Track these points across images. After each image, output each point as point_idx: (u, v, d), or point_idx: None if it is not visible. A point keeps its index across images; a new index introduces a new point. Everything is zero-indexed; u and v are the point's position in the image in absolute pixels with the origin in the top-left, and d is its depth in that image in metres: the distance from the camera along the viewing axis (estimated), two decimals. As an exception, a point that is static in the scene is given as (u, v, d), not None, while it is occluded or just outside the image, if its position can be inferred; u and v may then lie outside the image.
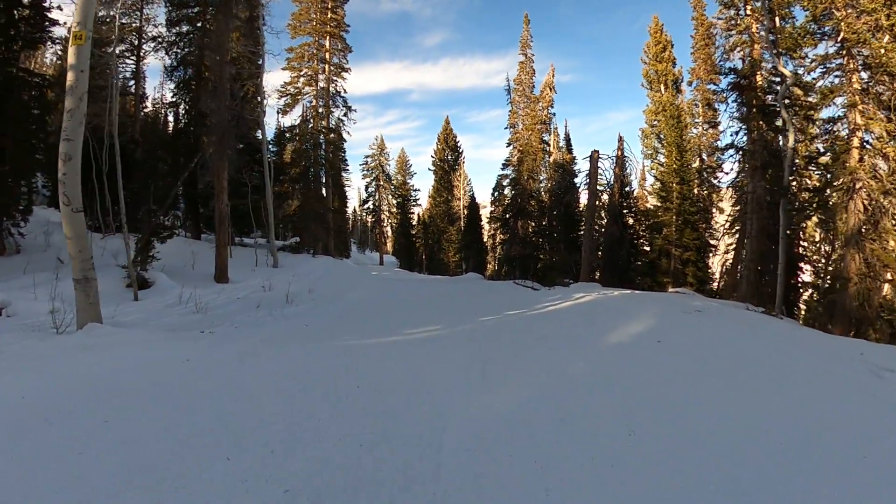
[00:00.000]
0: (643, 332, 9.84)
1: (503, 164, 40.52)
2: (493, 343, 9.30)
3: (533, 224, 38.15)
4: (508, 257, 36.90)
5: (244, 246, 31.08)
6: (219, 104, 19.98)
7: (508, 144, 40.69)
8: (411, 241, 64.88)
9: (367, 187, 68.76)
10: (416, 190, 68.24)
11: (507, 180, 39.69)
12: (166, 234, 22.12)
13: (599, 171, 28.26)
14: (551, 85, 40.63)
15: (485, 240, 50.84)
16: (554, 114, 40.67)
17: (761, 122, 20.69)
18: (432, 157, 62.39)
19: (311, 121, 33.98)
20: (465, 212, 54.45)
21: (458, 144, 62.70)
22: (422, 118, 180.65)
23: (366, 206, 69.61)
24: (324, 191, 36.63)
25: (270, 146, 30.67)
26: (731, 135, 27.94)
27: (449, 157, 61.65)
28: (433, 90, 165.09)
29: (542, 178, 38.46)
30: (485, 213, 52.38)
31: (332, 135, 34.26)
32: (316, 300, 17.07)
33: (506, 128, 41.07)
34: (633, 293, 18.35)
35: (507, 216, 37.96)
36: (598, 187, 29.50)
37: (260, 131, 26.06)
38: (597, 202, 27.93)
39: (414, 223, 67.73)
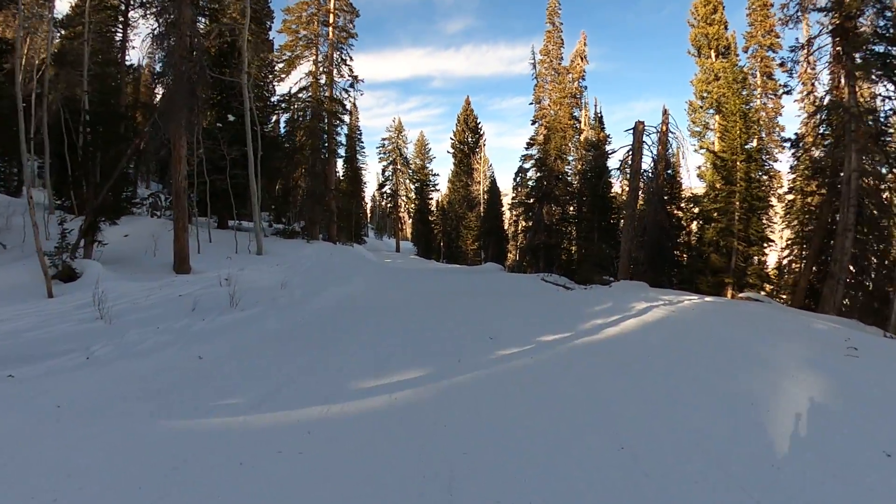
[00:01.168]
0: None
1: (527, 144, 35.53)
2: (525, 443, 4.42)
3: (560, 210, 33.12)
4: (532, 247, 31.96)
5: (241, 230, 26.76)
6: (172, 56, 15.40)
7: (533, 122, 35.71)
8: (429, 227, 60.25)
9: (383, 171, 64.03)
10: (434, 175, 63.55)
11: (532, 161, 34.67)
12: (118, 214, 17.76)
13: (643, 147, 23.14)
14: (583, 54, 35.42)
15: (505, 227, 45.90)
16: (585, 87, 35.60)
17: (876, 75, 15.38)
18: (451, 139, 57.46)
19: (310, 89, 29.23)
20: (486, 196, 49.51)
21: (479, 126, 57.63)
22: (444, 105, 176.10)
23: (382, 191, 64.88)
24: (328, 169, 31.90)
25: (260, 116, 26.02)
26: (801, 100, 22.60)
27: (469, 140, 56.61)
28: (455, 77, 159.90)
29: (571, 158, 33.33)
30: (505, 201, 47.46)
31: (333, 105, 29.42)
32: (277, 301, 12.45)
33: (530, 103, 36.12)
34: (714, 303, 13.42)
35: (531, 201, 32.95)
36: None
37: (245, 99, 21.38)
38: (640, 185, 22.85)
39: (432, 209, 62.96)
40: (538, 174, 33.21)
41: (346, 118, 36.79)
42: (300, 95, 29.16)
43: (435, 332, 8.98)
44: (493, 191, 45.53)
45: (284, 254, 21.95)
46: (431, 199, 63.81)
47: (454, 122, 58.45)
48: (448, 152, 57.70)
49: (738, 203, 21.23)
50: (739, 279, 20.82)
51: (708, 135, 28.85)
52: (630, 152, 23.10)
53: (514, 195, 48.18)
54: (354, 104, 62.76)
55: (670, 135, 25.23)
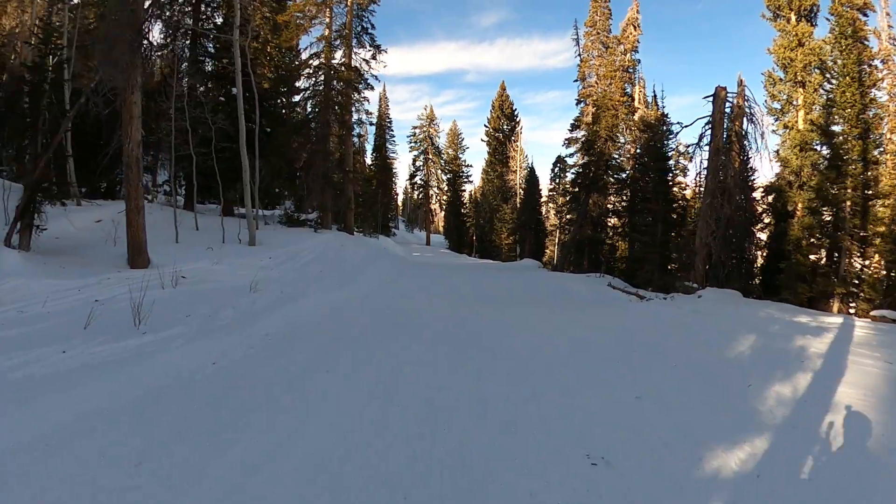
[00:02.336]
0: None
1: (571, 126, 30.86)
2: None
3: (610, 200, 28.31)
4: (576, 242, 27.24)
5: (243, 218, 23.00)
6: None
7: (578, 101, 30.96)
8: (461, 220, 55.88)
9: (414, 161, 59.87)
10: (468, 166, 59.06)
11: (577, 145, 29.89)
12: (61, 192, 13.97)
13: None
14: (635, 23, 30.42)
15: (544, 220, 41.19)
16: (638, 60, 30.59)
17: None
18: (485, 126, 52.82)
19: (322, 55, 24.98)
20: (523, 187, 44.78)
21: (515, 112, 52.83)
22: (478, 99, 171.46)
23: (413, 181, 60.69)
24: (344, 149, 27.59)
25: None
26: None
27: (504, 127, 51.88)
28: (489, 71, 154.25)
29: (623, 140, 28.44)
30: (543, 194, 42.84)
31: (350, 73, 24.97)
32: (220, 314, 8.41)
33: (574, 80, 31.36)
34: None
35: (576, 189, 28.18)
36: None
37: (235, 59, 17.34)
38: (720, 168, 18.00)
39: (465, 201, 58.54)
40: (584, 159, 28.41)
41: (369, 94, 32.37)
42: (311, 63, 24.98)
43: (451, 416, 4.67)
44: (532, 180, 40.70)
45: (283, 245, 17.87)
46: (464, 190, 59.42)
47: (487, 115, 53.75)
48: (482, 140, 53.13)
49: (850, 190, 16.22)
50: (850, 290, 15.85)
51: (791, 111, 23.66)
52: (709, 125, 18.25)
53: (551, 187, 43.53)
54: (382, 95, 58.95)
55: (750, 110, 20.24)
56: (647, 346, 7.73)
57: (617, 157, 28.05)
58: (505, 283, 17.09)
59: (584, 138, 28.66)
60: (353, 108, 26.12)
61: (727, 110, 19.07)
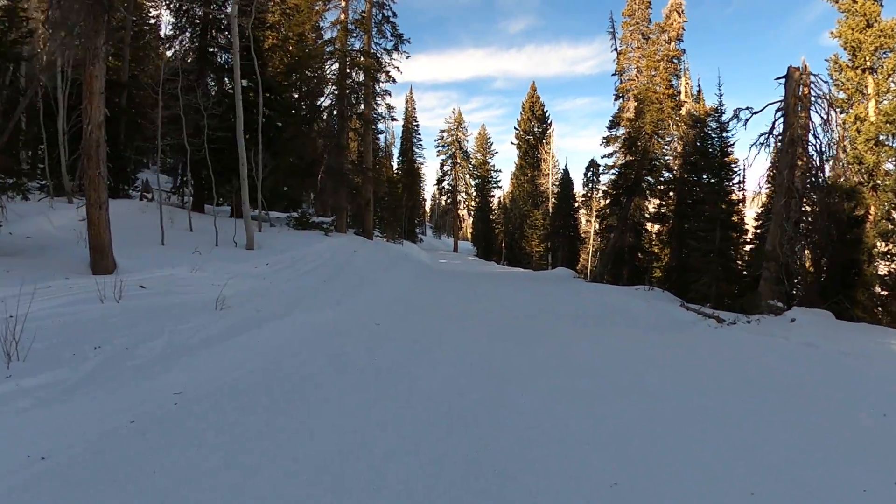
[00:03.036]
0: None
1: (610, 123, 27.90)
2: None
3: (653, 203, 25.32)
4: (616, 250, 24.26)
5: (260, 220, 20.66)
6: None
7: (617, 97, 28.14)
8: (490, 226, 53.32)
9: (441, 165, 57.44)
10: (496, 171, 56.48)
11: (617, 144, 26.89)
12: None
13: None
14: (679, 8, 27.34)
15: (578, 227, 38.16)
16: (683, 50, 27.45)
17: None
18: (515, 128, 50.03)
19: (336, 41, 22.47)
20: (555, 191, 41.82)
21: (547, 114, 49.95)
22: (506, 106, 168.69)
23: (441, 186, 58.21)
24: (362, 145, 24.97)
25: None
26: None
27: (535, 129, 49.02)
28: (517, 78, 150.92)
29: (668, 137, 25.41)
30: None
31: (369, 61, 22.38)
32: (134, 348, 5.75)
33: (613, 74, 28.54)
34: None
35: (617, 192, 25.20)
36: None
37: (232, 37, 15.06)
38: (798, 162, 14.98)
39: (493, 207, 55.85)
40: (625, 158, 25.43)
41: (392, 88, 29.94)
42: (326, 48, 22.44)
43: None
44: (566, 184, 37.68)
45: (285, 249, 15.47)
46: (493, 196, 56.82)
47: (515, 122, 50.98)
48: (511, 143, 50.38)
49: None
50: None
51: (860, 101, 20.39)
52: (780, 112, 15.26)
53: (583, 192, 40.53)
54: (409, 97, 56.58)
55: (815, 100, 17.11)
56: (796, 418, 4.88)
57: (662, 155, 25.01)
58: (543, 297, 14.36)
59: (624, 136, 25.68)
60: (374, 101, 23.64)
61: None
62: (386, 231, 32.82)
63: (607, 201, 27.00)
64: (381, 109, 24.64)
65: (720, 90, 23.51)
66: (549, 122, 49.68)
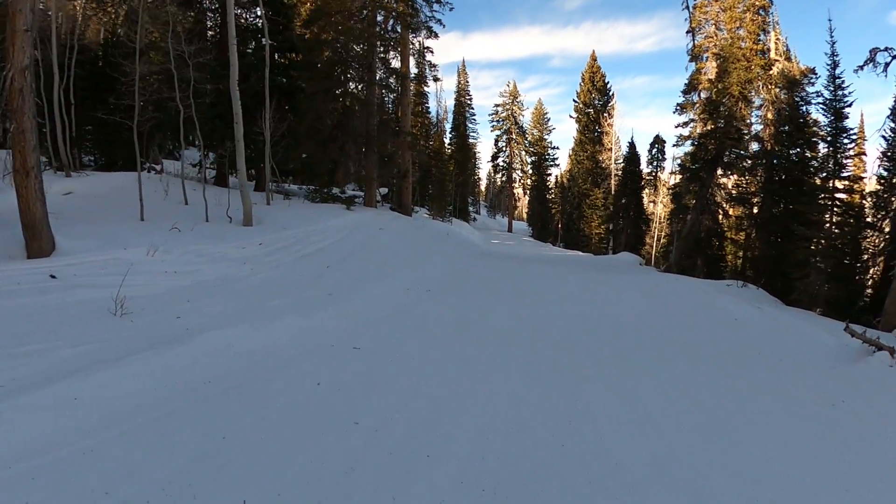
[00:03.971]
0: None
1: (685, 88, 23.80)
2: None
3: (736, 181, 21.35)
4: (693, 235, 20.49)
5: (279, 193, 18.13)
6: None
7: (692, 58, 24.03)
8: (546, 206, 49.60)
9: (496, 141, 53.89)
10: (554, 148, 52.15)
11: (694, 111, 22.85)
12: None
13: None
14: (767, -51, 22.74)
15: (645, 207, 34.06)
16: (772, 1, 22.90)
17: None
18: (574, 101, 45.61)
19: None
20: (619, 168, 37.72)
21: (608, 85, 45.17)
22: (563, 84, 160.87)
23: (495, 163, 54.75)
24: (398, 107, 21.73)
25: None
26: None
27: (596, 102, 44.45)
28: (574, 56, 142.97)
29: (758, 102, 21.26)
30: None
31: (398, 5, 19.33)
32: None
33: (687, 31, 24.39)
34: None
35: (695, 166, 21.30)
36: None
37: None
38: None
39: (550, 186, 51.98)
40: (706, 127, 21.44)
41: (435, 46, 26.74)
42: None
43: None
44: (632, 159, 33.45)
45: (292, 226, 12.95)
46: (549, 174, 52.67)
47: (574, 94, 46.46)
48: (570, 116, 45.99)
49: None
50: None
51: None
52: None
53: (648, 172, 36.30)
54: (462, 69, 53.03)
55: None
56: None
57: (750, 123, 20.90)
58: (615, 296, 11.01)
59: (706, 99, 21.63)
60: (411, 56, 20.63)
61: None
62: (433, 208, 29.92)
63: (681, 178, 23.04)
64: (425, 70, 21.48)
65: (832, 36, 18.29)
66: (610, 94, 45.03)
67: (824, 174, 15.79)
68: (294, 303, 7.36)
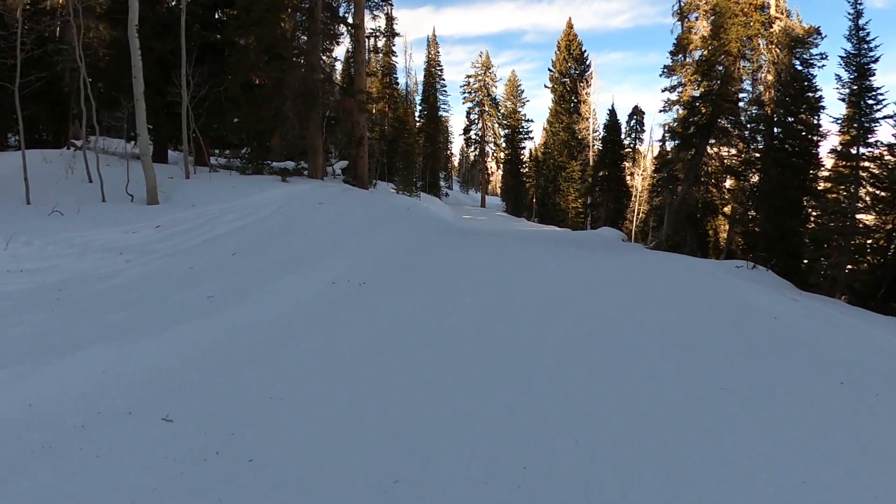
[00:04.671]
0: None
1: (673, 48, 21.38)
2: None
3: (730, 150, 19.05)
4: (686, 210, 18.16)
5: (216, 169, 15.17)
6: None
7: (680, 16, 21.66)
8: (520, 181, 47.19)
9: (468, 113, 51.05)
10: (528, 121, 49.36)
11: (684, 72, 20.35)
12: None
13: None
14: None
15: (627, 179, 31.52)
16: (771, -50, 20.44)
17: None
18: (550, 70, 42.74)
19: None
20: (598, 138, 35.17)
21: (585, 55, 42.32)
22: (536, 60, 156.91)
23: (467, 136, 51.90)
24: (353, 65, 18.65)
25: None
26: None
27: (573, 71, 41.67)
28: (548, 31, 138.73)
29: (760, 61, 18.85)
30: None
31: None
32: None
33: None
34: None
35: (686, 132, 18.84)
36: None
37: None
38: None
39: (524, 160, 49.39)
40: (699, 89, 18.98)
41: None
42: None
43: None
44: (613, 127, 30.71)
45: (206, 203, 10.23)
46: (524, 148, 49.90)
47: (546, 74, 43.48)
48: (545, 86, 43.17)
49: None
50: None
51: None
52: None
53: (626, 145, 33.82)
54: (432, 39, 49.55)
55: None
56: None
57: (750, 84, 18.51)
58: (611, 287, 8.40)
59: (701, 58, 19.10)
60: (366, 9, 17.56)
61: None
62: (400, 183, 27.05)
63: (672, 145, 20.58)
64: (380, 24, 18.50)
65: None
66: (587, 63, 42.25)
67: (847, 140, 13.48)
68: (141, 316, 4.68)
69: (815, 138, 16.79)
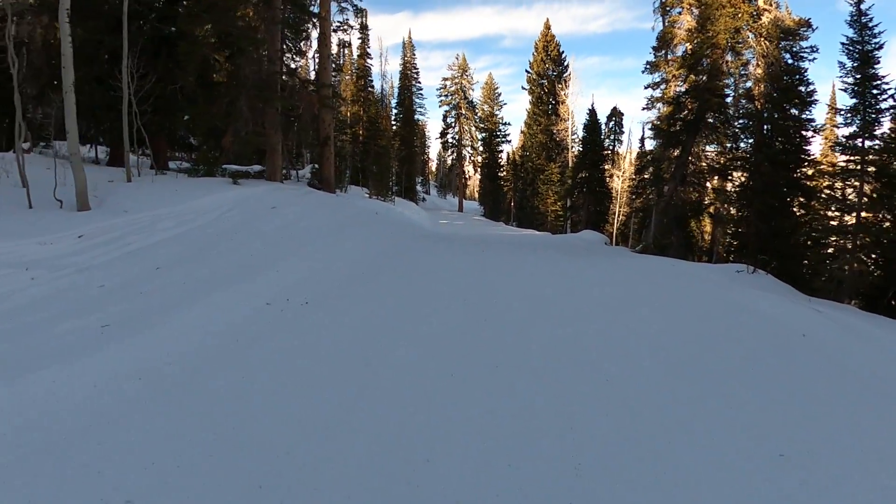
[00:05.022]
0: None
1: (656, 43, 20.29)
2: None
3: (722, 149, 18.03)
4: (675, 210, 17.05)
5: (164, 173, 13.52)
6: None
7: (662, 12, 20.66)
8: (498, 185, 46.04)
9: (444, 116, 49.77)
10: (505, 124, 48.25)
11: (668, 68, 19.32)
12: None
13: None
14: None
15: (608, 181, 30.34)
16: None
17: None
18: (527, 71, 41.72)
19: None
20: (579, 136, 34.04)
21: (563, 56, 41.40)
22: (514, 65, 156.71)
23: (444, 139, 50.55)
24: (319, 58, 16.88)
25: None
26: None
27: (551, 72, 40.68)
28: (526, 36, 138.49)
29: (747, 55, 17.87)
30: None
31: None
32: None
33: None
34: None
35: (677, 128, 17.73)
36: None
37: None
38: None
39: (502, 163, 48.27)
40: (685, 86, 17.91)
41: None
42: None
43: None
44: (593, 127, 29.51)
45: (143, 208, 8.71)
46: (501, 151, 48.74)
47: (524, 76, 42.40)
48: (522, 88, 42.24)
49: None
50: None
51: None
52: None
53: (606, 145, 32.73)
54: (408, 41, 48.00)
55: None
56: None
57: (738, 78, 17.49)
58: (604, 301, 7.02)
59: (687, 52, 18.03)
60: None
61: None
62: (374, 188, 25.55)
63: (656, 142, 19.42)
64: (349, 16, 17.05)
65: None
66: (566, 64, 41.26)
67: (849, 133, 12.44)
68: (10, 354, 3.25)
69: (807, 134, 15.92)
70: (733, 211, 17.12)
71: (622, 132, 34.49)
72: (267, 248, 7.68)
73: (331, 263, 7.40)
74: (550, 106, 39.36)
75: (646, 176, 19.42)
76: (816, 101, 16.03)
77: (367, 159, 25.95)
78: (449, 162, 57.70)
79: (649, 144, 20.95)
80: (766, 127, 16.56)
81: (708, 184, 18.50)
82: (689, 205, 17.11)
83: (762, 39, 17.62)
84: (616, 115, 36.35)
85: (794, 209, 16.18)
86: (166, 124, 12.53)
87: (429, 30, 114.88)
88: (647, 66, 20.54)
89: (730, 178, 17.36)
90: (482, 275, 7.92)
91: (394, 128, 44.68)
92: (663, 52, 20.06)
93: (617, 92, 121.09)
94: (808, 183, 16.01)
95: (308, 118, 15.16)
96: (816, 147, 15.76)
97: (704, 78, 17.00)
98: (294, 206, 10.83)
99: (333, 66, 18.71)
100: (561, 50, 41.58)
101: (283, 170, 16.00)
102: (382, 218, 13.91)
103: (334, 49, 22.69)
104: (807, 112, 16.09)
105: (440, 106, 49.55)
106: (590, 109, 29.43)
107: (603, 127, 32.16)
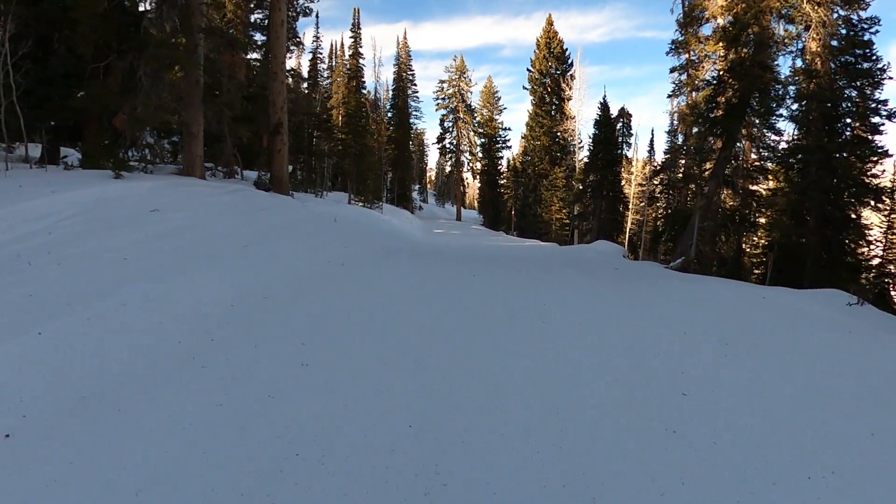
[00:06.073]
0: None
1: (683, 17, 16.78)
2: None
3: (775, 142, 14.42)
4: (715, 214, 13.37)
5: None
6: None
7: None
8: (498, 192, 42.52)
9: (442, 121, 46.27)
10: (505, 129, 44.75)
11: (698, 47, 15.75)
12: None
13: None
14: None
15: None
16: None
17: None
18: (529, 70, 38.22)
19: None
20: (581, 144, 30.47)
21: (567, 53, 37.87)
22: (514, 74, 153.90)
23: (442, 145, 47.01)
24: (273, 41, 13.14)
25: None
26: None
27: (553, 71, 37.13)
28: (525, 45, 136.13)
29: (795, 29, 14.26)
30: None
31: None
32: None
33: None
34: None
35: (716, 114, 14.02)
36: None
37: None
38: None
39: (502, 170, 44.70)
40: (726, 61, 14.26)
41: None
42: None
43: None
44: (605, 123, 25.49)
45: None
46: (501, 157, 45.14)
47: (523, 90, 39.10)
48: (524, 88, 38.60)
49: None
50: None
51: None
52: None
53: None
54: (403, 42, 44.55)
55: None
56: None
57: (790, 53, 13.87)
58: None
59: (725, 24, 14.38)
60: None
61: None
62: (353, 191, 21.93)
63: (697, 131, 15.68)
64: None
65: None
66: (570, 62, 37.69)
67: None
68: None
69: (877, 121, 12.39)
70: (789, 217, 13.39)
71: (631, 134, 30.82)
72: (81, 276, 4.10)
73: (181, 305, 3.80)
74: (554, 106, 35.79)
75: (677, 174, 15.71)
76: (891, 77, 12.56)
77: (346, 159, 22.33)
78: (447, 169, 54.18)
79: (662, 146, 17.23)
80: (829, 104, 12.94)
81: (757, 184, 14.82)
82: (735, 210, 13.45)
83: (818, 7, 13.99)
84: (624, 115, 32.74)
85: (856, 215, 12.68)
86: (44, 103, 9.03)
87: (428, 39, 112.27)
88: (673, 47, 17.06)
89: (784, 176, 13.72)
90: (465, 329, 4.27)
91: (389, 133, 41.14)
92: (693, 27, 16.54)
93: (617, 101, 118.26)
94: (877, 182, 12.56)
95: (234, 91, 11.51)
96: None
97: (750, 51, 13.38)
98: (190, 210, 7.24)
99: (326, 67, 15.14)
100: (564, 47, 38.06)
101: (227, 169, 12.31)
102: (342, 227, 10.26)
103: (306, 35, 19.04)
104: (879, 91, 12.66)
105: (437, 109, 46.10)
106: (602, 103, 25.60)
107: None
